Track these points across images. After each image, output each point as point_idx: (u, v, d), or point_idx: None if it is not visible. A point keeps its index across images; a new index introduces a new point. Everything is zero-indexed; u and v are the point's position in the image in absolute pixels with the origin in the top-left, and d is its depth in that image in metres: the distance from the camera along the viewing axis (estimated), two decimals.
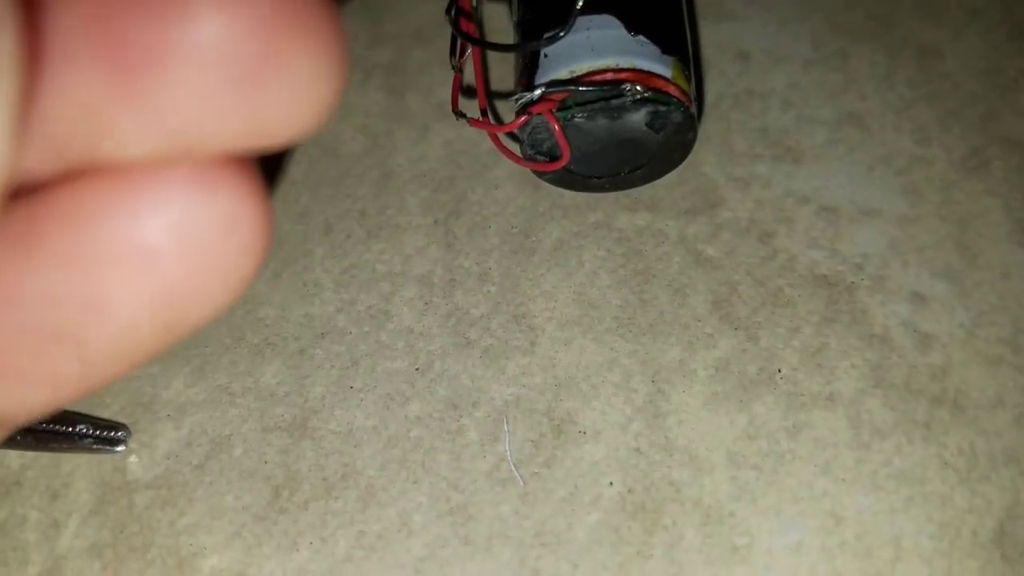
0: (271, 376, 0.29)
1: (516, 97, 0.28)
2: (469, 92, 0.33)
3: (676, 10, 0.29)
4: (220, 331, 0.29)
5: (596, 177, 0.30)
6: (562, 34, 0.25)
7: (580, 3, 0.25)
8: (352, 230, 0.31)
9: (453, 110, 0.29)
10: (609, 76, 0.26)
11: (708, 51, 0.34)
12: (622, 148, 0.28)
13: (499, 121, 0.32)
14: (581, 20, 0.27)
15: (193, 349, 0.29)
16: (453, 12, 0.29)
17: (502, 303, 0.29)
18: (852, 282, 0.29)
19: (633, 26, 0.27)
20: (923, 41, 0.34)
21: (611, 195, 0.31)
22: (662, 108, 0.27)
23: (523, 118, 0.27)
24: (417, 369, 0.28)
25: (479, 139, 0.33)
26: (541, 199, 0.32)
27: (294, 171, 0.33)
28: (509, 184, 0.32)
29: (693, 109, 0.27)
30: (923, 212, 0.30)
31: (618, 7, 0.27)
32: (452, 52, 0.29)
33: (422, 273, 0.30)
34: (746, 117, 0.32)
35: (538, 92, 0.26)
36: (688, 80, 0.28)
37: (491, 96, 0.33)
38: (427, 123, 0.34)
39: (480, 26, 0.31)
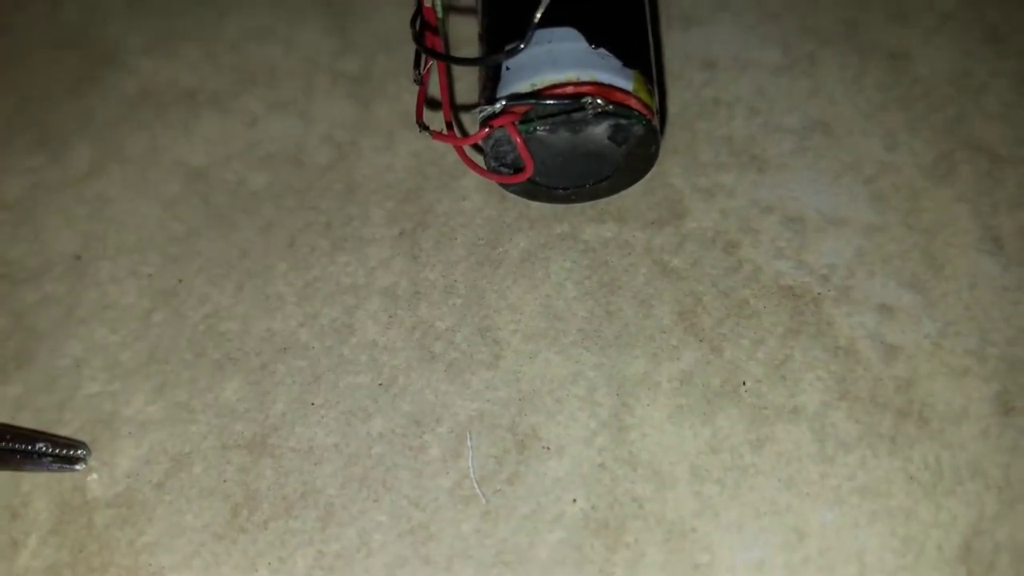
0: (232, 392, 0.28)
1: (479, 109, 0.27)
2: (436, 104, 0.33)
3: (639, 22, 0.29)
4: (180, 346, 0.29)
5: (561, 188, 0.29)
6: (522, 47, 0.25)
7: (537, 16, 0.24)
8: (316, 243, 0.31)
9: (416, 122, 0.29)
10: (570, 90, 0.26)
11: (674, 61, 0.34)
12: (586, 160, 0.28)
13: (464, 134, 0.32)
14: (542, 33, 0.27)
15: (153, 366, 0.29)
16: (417, 24, 0.29)
17: (467, 316, 0.29)
18: (818, 293, 0.29)
19: (594, 39, 0.27)
20: (893, 44, 0.34)
21: (577, 206, 0.31)
22: (623, 122, 0.26)
23: (485, 131, 0.27)
24: (380, 384, 0.28)
25: (446, 150, 0.33)
26: (508, 210, 0.31)
27: (257, 181, 0.33)
28: (476, 195, 0.32)
29: (655, 122, 0.27)
30: (890, 221, 0.30)
31: (580, 20, 0.27)
32: (416, 65, 0.29)
33: (387, 286, 0.30)
34: (712, 126, 0.32)
35: (499, 105, 0.26)
36: (651, 93, 0.27)
37: (456, 108, 0.33)
38: (393, 133, 0.33)
39: (445, 38, 0.30)
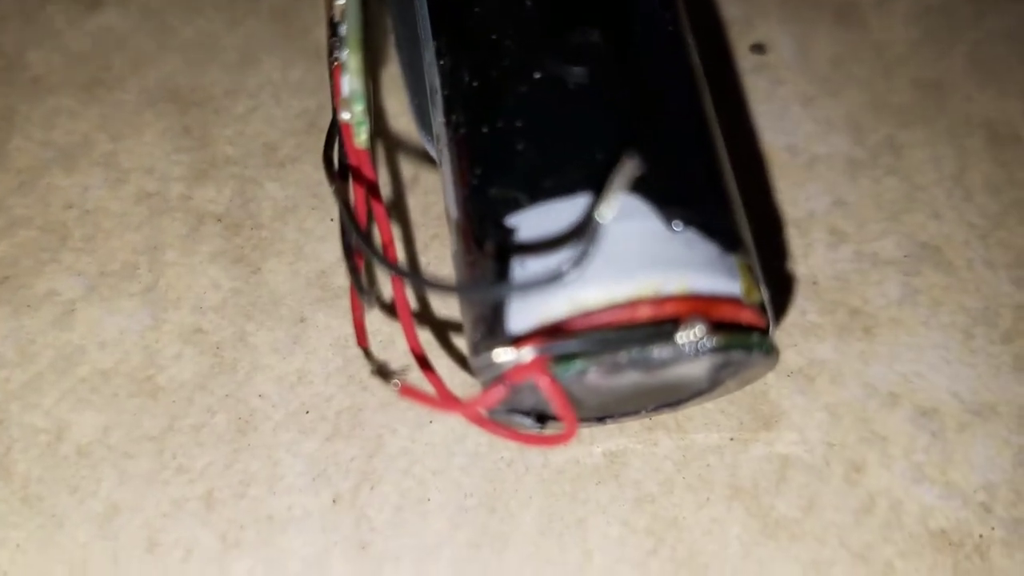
0: None
1: (475, 342, 0.15)
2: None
3: (721, 158, 0.17)
4: None
5: (607, 417, 0.18)
6: (586, 254, 0.13)
7: (608, 203, 0.13)
8: (195, 538, 0.18)
9: (360, 346, 0.16)
10: (646, 312, 0.15)
11: None
12: (657, 392, 0.17)
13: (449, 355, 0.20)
14: (573, 203, 0.15)
15: None
16: (336, 161, 0.17)
17: None
18: (981, 536, 0.19)
19: (672, 209, 0.15)
20: (994, 119, 0.25)
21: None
22: (737, 355, 0.15)
23: (500, 389, 0.15)
24: None
25: (392, 335, 0.20)
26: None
27: (79, 430, 0.19)
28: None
29: (774, 337, 0.16)
30: None
31: (646, 179, 0.15)
32: (349, 255, 0.16)
33: None
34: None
35: (526, 352, 0.14)
36: (757, 282, 0.16)
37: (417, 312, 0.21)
38: (303, 313, 0.21)
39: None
